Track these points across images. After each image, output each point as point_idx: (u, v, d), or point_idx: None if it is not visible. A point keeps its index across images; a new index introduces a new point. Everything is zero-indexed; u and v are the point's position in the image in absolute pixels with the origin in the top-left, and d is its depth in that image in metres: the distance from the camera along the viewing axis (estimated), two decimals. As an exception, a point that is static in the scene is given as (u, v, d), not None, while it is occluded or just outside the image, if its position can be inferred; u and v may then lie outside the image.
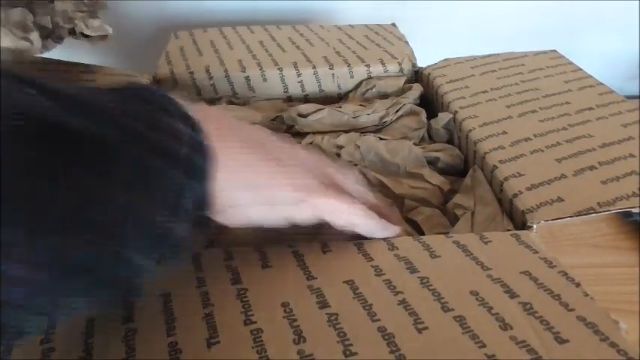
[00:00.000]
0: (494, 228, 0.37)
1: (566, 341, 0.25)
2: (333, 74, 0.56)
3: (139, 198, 0.22)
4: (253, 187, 0.28)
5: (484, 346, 0.25)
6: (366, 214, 0.32)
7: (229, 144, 0.28)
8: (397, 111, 0.52)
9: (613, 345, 0.25)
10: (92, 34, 0.53)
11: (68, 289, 0.21)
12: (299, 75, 0.56)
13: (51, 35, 0.51)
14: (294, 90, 0.57)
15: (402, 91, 0.56)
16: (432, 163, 0.47)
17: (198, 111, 0.27)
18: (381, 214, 0.33)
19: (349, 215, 0.32)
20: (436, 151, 0.47)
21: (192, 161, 0.24)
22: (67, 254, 0.20)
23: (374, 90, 0.56)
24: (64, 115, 0.20)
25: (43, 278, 0.19)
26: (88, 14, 0.53)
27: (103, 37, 0.55)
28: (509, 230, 0.36)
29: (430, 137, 0.51)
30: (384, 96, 0.55)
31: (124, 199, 0.21)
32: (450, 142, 0.50)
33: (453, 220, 0.40)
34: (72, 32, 0.52)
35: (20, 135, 0.19)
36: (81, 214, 0.20)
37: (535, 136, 0.44)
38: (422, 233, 0.39)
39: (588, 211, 0.35)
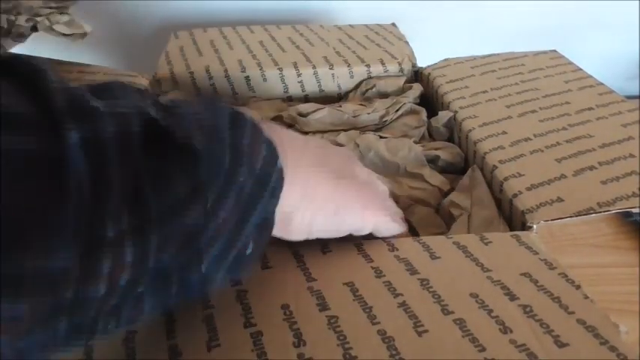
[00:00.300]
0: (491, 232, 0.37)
1: (566, 345, 0.25)
2: (333, 74, 0.56)
3: (219, 206, 0.23)
4: (320, 201, 0.30)
5: (484, 349, 0.25)
6: (403, 225, 0.36)
7: (296, 161, 0.29)
8: (397, 110, 0.52)
9: (612, 349, 0.25)
10: (65, 32, 0.52)
11: (142, 292, 0.22)
12: (299, 75, 0.56)
13: (9, 34, 0.50)
14: (294, 90, 0.57)
15: (402, 91, 0.56)
16: (432, 161, 0.47)
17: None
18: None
19: (397, 231, 0.35)
20: (436, 149, 0.47)
21: (265, 177, 0.25)
22: (150, 257, 0.20)
23: (374, 90, 0.56)
24: (167, 122, 0.21)
25: (123, 278, 0.20)
26: (56, 11, 0.52)
27: (83, 35, 0.54)
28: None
29: (430, 136, 0.51)
30: (384, 95, 0.55)
31: (211, 204, 0.22)
32: (450, 140, 0.50)
33: (448, 218, 0.40)
34: (34, 29, 0.51)
35: (134, 137, 0.20)
36: (171, 219, 0.21)
37: (535, 136, 0.44)
38: (415, 233, 0.39)
39: (588, 211, 0.35)
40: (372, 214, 0.33)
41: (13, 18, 0.49)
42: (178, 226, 0.21)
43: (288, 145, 0.29)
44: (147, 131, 0.20)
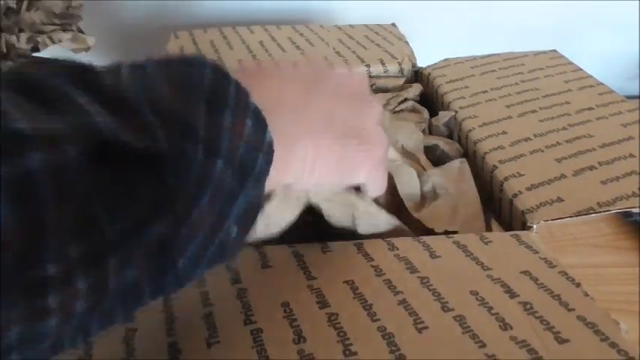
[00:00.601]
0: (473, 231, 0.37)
1: (567, 341, 0.25)
2: (333, 74, 0.56)
3: (193, 208, 0.20)
4: (322, 172, 0.28)
5: (484, 345, 0.25)
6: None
7: (295, 125, 0.27)
8: (399, 103, 0.52)
9: (613, 345, 0.25)
10: (68, 47, 0.52)
11: (115, 305, 0.20)
12: (299, 75, 0.56)
13: (7, 57, 0.49)
14: (294, 90, 0.57)
15: (401, 89, 0.55)
16: (430, 149, 0.46)
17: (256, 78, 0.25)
18: None
19: (379, 191, 0.33)
20: (437, 139, 0.47)
21: (249, 163, 0.23)
22: (109, 279, 0.19)
23: (374, 87, 0.56)
24: (120, 129, 0.18)
25: (79, 305, 0.18)
26: (59, 28, 0.52)
27: (87, 49, 0.54)
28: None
29: (431, 134, 0.51)
30: (384, 91, 0.55)
31: (181, 210, 0.20)
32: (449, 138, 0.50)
33: (432, 195, 0.40)
34: (35, 50, 0.50)
35: (70, 163, 0.17)
36: (133, 237, 0.19)
37: (535, 136, 0.44)
38: (396, 192, 0.39)
39: (588, 211, 0.35)
40: (374, 176, 0.31)
41: (13, 40, 0.48)
42: (142, 242, 0.19)
43: (290, 103, 0.27)
44: (94, 145, 0.18)
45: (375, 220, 0.34)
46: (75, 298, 0.18)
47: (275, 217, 0.31)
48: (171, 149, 0.19)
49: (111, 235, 0.18)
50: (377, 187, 0.33)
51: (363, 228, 0.34)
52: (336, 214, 0.33)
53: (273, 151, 0.24)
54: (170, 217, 0.19)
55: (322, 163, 0.28)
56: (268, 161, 0.24)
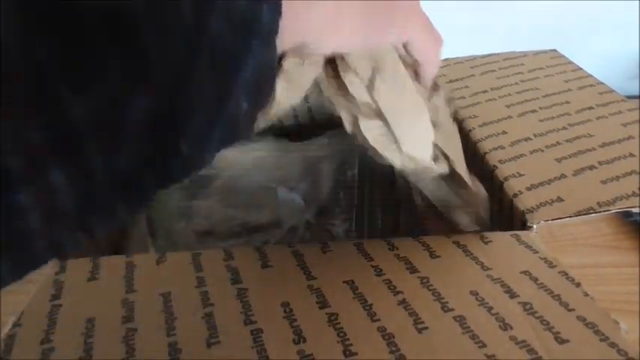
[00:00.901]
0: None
1: (567, 341, 0.25)
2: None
3: (186, 77, 0.17)
4: (345, 32, 0.25)
5: (484, 346, 0.25)
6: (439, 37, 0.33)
7: None
8: None
9: (613, 345, 0.25)
10: None
11: (113, 197, 0.17)
12: (299, 75, 0.56)
13: None
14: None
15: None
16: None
17: None
18: None
19: (436, 42, 0.32)
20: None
21: (252, 16, 0.18)
22: (96, 167, 0.16)
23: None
24: None
25: (64, 200, 0.16)
26: None
27: None
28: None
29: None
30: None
31: (167, 80, 0.17)
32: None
33: None
34: None
35: (12, 44, 0.14)
36: (109, 117, 0.16)
37: (535, 135, 0.44)
38: None
39: (588, 211, 0.35)
40: (414, 32, 0.29)
41: None
42: (124, 121, 0.16)
43: None
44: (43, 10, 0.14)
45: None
46: (54, 192, 0.15)
47: (287, 86, 0.26)
48: (148, 6, 0.15)
49: (79, 114, 0.15)
50: (424, 45, 0.30)
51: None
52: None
53: (280, 1, 0.19)
54: (154, 89, 0.16)
55: (346, 18, 0.24)
56: (276, 15, 0.19)
